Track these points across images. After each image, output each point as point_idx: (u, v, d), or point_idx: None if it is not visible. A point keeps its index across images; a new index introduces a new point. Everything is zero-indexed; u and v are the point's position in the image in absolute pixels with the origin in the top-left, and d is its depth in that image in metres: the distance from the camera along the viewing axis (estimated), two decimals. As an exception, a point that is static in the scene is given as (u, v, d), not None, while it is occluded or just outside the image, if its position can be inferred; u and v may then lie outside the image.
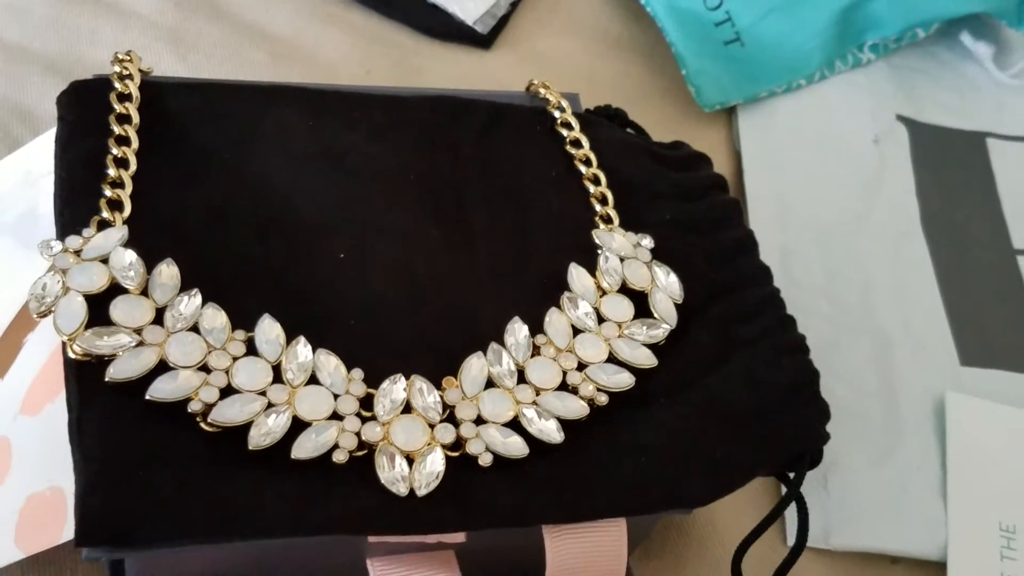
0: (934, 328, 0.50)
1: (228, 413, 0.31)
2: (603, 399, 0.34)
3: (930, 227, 0.54)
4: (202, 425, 0.31)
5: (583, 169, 0.41)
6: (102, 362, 0.31)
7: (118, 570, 0.34)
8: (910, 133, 0.57)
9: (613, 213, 0.40)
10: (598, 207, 0.40)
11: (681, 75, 0.57)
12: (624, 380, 0.35)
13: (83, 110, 0.36)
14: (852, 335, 0.48)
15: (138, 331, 0.32)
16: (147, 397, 0.30)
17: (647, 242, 0.39)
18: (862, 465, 0.44)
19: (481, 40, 0.58)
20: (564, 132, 0.42)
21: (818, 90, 0.58)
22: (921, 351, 0.49)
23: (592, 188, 0.41)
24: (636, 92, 0.58)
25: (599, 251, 0.38)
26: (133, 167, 0.36)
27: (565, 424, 0.33)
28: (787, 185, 0.53)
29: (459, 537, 0.32)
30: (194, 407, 0.31)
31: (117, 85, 0.37)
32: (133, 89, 0.37)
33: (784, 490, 0.44)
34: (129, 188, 0.35)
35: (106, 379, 0.30)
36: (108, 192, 0.35)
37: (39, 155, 0.40)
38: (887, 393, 0.47)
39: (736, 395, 0.35)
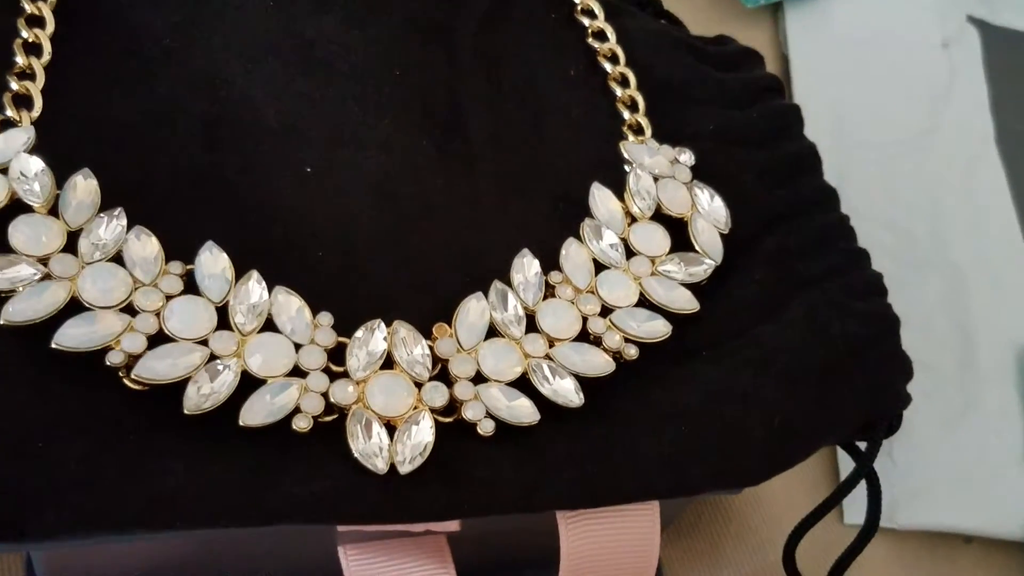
0: (1014, 264, 0.43)
1: (158, 367, 0.24)
2: (632, 352, 0.28)
3: (1006, 146, 0.47)
4: (124, 381, 0.24)
5: (608, 67, 0.34)
6: (-2, 300, 0.24)
7: (29, 564, 0.27)
8: (983, 37, 0.50)
9: (644, 121, 0.33)
10: (626, 114, 0.33)
11: (718, -34, 0.49)
12: (658, 328, 0.28)
13: (-16, -20, 0.29)
14: (919, 272, 0.41)
15: (43, 261, 0.25)
16: (53, 345, 0.24)
17: (686, 157, 0.32)
18: (932, 428, 0.38)
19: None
20: (585, 21, 0.34)
21: (878, -14, 0.50)
22: (1000, 291, 0.42)
23: (619, 91, 0.33)
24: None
25: (628, 168, 0.31)
26: (47, 55, 0.29)
27: (585, 383, 0.27)
28: (842, 96, 0.46)
29: (452, 525, 0.26)
30: (114, 359, 0.24)
31: (27, -51, 0.29)
32: (47, -44, 0.29)
33: (839, 460, 0.38)
34: (41, 81, 0.28)
35: (1, 321, 0.24)
36: (14, 85, 0.28)
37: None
38: (961, 341, 0.41)
39: (798, 347, 0.28)
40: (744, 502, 0.36)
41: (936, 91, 0.48)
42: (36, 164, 0.26)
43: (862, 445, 0.29)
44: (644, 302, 0.29)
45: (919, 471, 0.37)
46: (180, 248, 0.26)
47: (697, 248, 0.30)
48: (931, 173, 0.45)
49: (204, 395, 0.24)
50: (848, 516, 0.37)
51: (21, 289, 0.24)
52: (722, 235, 0.31)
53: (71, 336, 0.24)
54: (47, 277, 0.25)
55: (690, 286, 0.29)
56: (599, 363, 0.27)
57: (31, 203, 0.26)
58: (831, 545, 0.31)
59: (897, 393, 0.29)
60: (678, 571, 0.35)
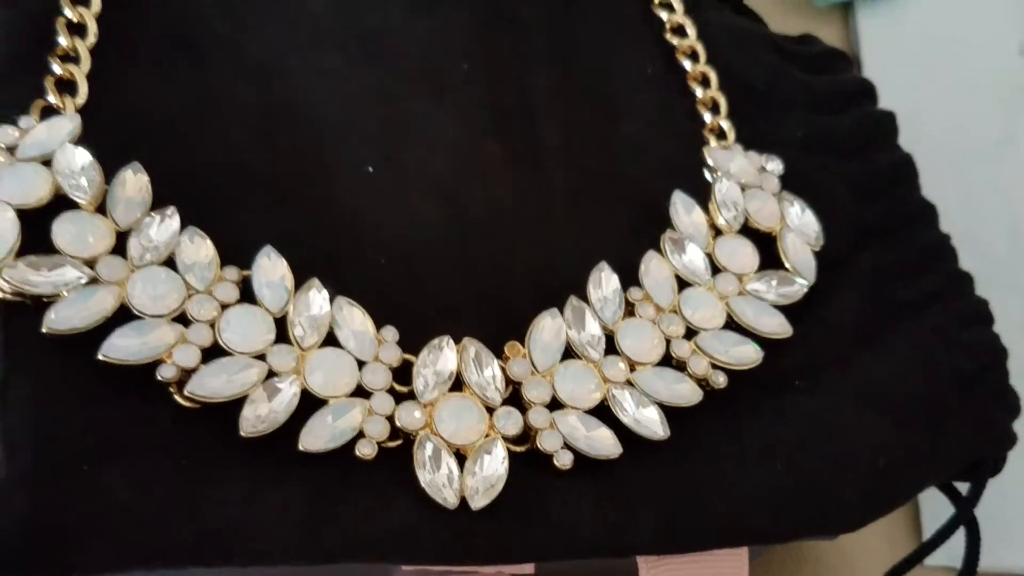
0: (1099, 286, 0.41)
1: (213, 384, 0.22)
2: (721, 380, 0.25)
3: (1088, 160, 0.44)
4: (176, 398, 0.22)
5: (688, 65, 0.31)
6: (39, 304, 0.22)
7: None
8: (1062, 44, 0.47)
9: (727, 125, 0.30)
10: (707, 116, 0.31)
11: (785, -39, 0.46)
12: (748, 354, 0.26)
13: (25, -46, 0.27)
14: (1000, 291, 0.39)
15: (90, 263, 0.23)
16: (100, 357, 0.22)
17: (775, 166, 0.30)
18: (1016, 464, 0.35)
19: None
20: (663, 15, 0.32)
21: (954, -15, 0.47)
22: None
23: (700, 91, 0.31)
24: (728, -20, 0.48)
25: (711, 176, 0.29)
26: (93, 37, 0.26)
27: (669, 412, 0.25)
28: (916, 100, 0.44)
29: (526, 568, 0.24)
30: (166, 373, 0.22)
31: (73, -77, 0.27)
32: (95, -71, 0.27)
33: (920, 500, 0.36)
34: (86, 65, 0.26)
35: (43, 329, 0.22)
36: (57, 68, 0.25)
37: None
38: (1045, 368, 0.38)
39: (903, 380, 0.26)
40: (820, 543, 0.34)
41: (1014, 99, 0.45)
42: (83, 157, 0.24)
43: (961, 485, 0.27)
44: (731, 324, 0.27)
45: (1006, 512, 0.35)
46: (235, 252, 0.24)
47: (788, 266, 0.28)
48: (1009, 184, 0.43)
49: (261, 416, 0.22)
50: (931, 556, 0.35)
51: (66, 294, 0.22)
52: (813, 252, 0.28)
53: (120, 347, 0.22)
54: (94, 281, 0.23)
55: (781, 308, 0.27)
56: (685, 392, 0.25)
57: (77, 199, 0.24)
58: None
59: (1004, 431, 0.27)
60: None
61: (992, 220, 0.42)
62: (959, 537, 0.29)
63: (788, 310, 0.27)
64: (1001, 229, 0.42)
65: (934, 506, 0.35)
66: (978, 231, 0.41)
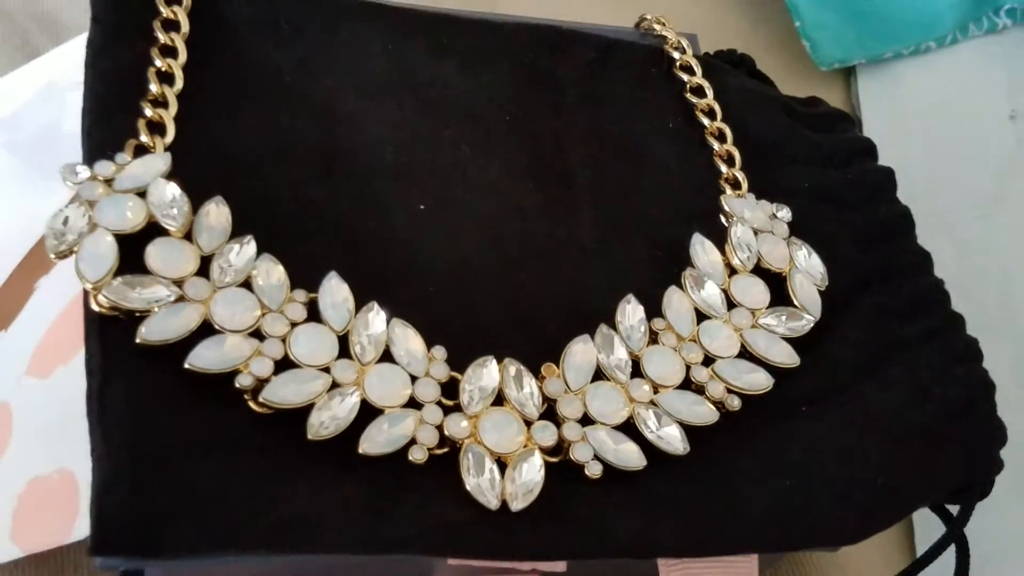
0: (1084, 333, 0.43)
1: (284, 392, 0.25)
2: (735, 403, 0.28)
3: (1074, 218, 0.47)
4: (251, 404, 0.25)
5: (706, 122, 0.35)
6: (132, 319, 0.25)
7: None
8: (1049, 111, 0.51)
9: (741, 176, 0.33)
10: (723, 168, 0.34)
11: (792, 27, 0.50)
12: (760, 381, 0.29)
13: (122, 11, 0.30)
14: (990, 338, 0.41)
15: (178, 283, 0.26)
16: (186, 365, 0.24)
17: (784, 213, 0.33)
18: (1003, 493, 0.37)
19: (567, -26, 0.51)
20: (684, 76, 0.35)
21: (949, 55, 0.51)
22: (1069, 360, 0.42)
23: (716, 145, 0.34)
24: (738, 45, 0.51)
25: (729, 220, 0.32)
26: (179, 84, 0.29)
27: (689, 431, 0.27)
28: (912, 160, 0.47)
29: (559, 566, 0.26)
30: (243, 381, 0.25)
31: (164, -17, 0.30)
32: (183, -10, 0.31)
33: (915, 522, 0.38)
34: (173, 109, 0.29)
35: (137, 340, 0.24)
36: (148, 112, 0.28)
37: (65, 65, 0.34)
38: (1032, 407, 0.40)
39: (900, 409, 0.28)
40: (821, 563, 0.36)
41: (1004, 161, 0.48)
42: (174, 190, 0.27)
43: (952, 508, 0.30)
44: (745, 353, 0.29)
45: (991, 537, 0.37)
46: (302, 276, 0.27)
47: (796, 303, 0.31)
48: (999, 240, 0.46)
49: (325, 422, 0.25)
50: (923, 576, 0.37)
51: (156, 310, 0.25)
52: (819, 292, 0.31)
53: (204, 357, 0.25)
54: (181, 299, 0.26)
55: (790, 340, 0.30)
56: (703, 412, 0.28)
57: (168, 227, 0.26)
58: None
59: (992, 458, 0.29)
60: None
61: (984, 272, 0.44)
62: (950, 560, 0.31)
63: (796, 343, 0.30)
64: (992, 280, 0.44)
65: (926, 528, 0.38)
66: (971, 282, 0.44)
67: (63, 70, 0.34)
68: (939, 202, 0.47)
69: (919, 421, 0.28)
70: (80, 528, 0.25)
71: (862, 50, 0.50)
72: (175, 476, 0.23)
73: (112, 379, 0.24)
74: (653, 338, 0.29)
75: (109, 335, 0.25)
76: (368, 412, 0.25)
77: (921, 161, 0.48)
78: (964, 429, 0.29)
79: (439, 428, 0.26)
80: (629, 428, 0.27)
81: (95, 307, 0.25)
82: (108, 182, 0.27)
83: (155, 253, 0.26)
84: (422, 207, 0.30)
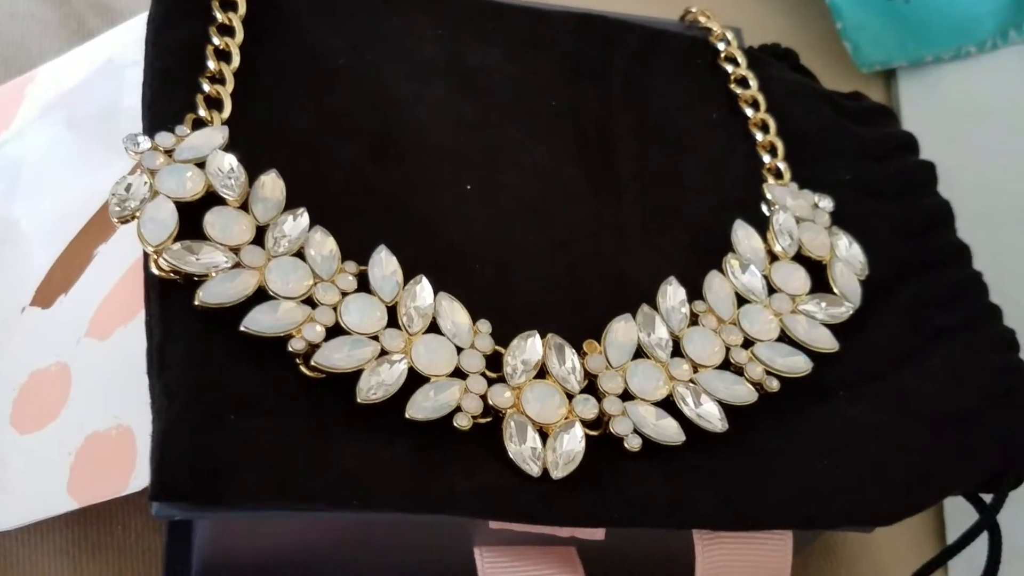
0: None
1: (335, 357, 0.26)
2: (774, 385, 0.29)
3: (1114, 223, 0.47)
4: (302, 368, 0.26)
5: (749, 112, 0.35)
6: (191, 283, 0.26)
7: (182, 535, 0.29)
8: (1090, 115, 0.51)
9: (784, 166, 0.34)
10: (766, 158, 0.34)
11: (833, 29, 0.50)
12: (799, 364, 0.29)
13: (183, -10, 0.31)
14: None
15: (235, 250, 0.27)
16: (242, 328, 0.25)
17: (826, 203, 0.33)
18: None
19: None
20: (728, 68, 0.36)
21: (989, 60, 0.51)
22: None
23: (759, 135, 0.35)
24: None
25: (771, 208, 0.32)
26: (236, 62, 0.30)
27: (727, 411, 0.28)
28: (952, 163, 0.47)
29: (597, 534, 0.27)
30: (296, 346, 0.26)
31: (224, -35, 0.31)
32: (242, -29, 0.32)
33: (945, 513, 0.38)
34: (230, 86, 0.30)
35: (195, 303, 0.25)
36: (206, 87, 0.29)
37: (124, 43, 0.34)
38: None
39: (935, 394, 0.29)
40: (852, 549, 0.36)
41: (1045, 164, 0.48)
42: (231, 161, 0.28)
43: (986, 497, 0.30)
44: (784, 338, 0.30)
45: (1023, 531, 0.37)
46: (353, 249, 0.28)
47: (836, 291, 0.31)
48: (1039, 243, 0.46)
49: (375, 386, 0.26)
50: (954, 572, 0.37)
51: (214, 275, 0.26)
52: (859, 280, 0.32)
53: (259, 321, 0.26)
54: (237, 265, 0.26)
55: (829, 327, 0.30)
56: (742, 392, 0.28)
57: (226, 196, 0.27)
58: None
59: (1027, 446, 0.29)
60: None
61: (1021, 273, 0.44)
62: (981, 555, 0.31)
63: (835, 329, 0.30)
64: (1030, 279, 0.44)
65: (957, 517, 0.38)
66: (1012, 284, 0.44)
67: (121, 49, 0.35)
68: (978, 204, 0.46)
69: (955, 408, 0.29)
70: (136, 480, 0.25)
71: (903, 53, 0.50)
72: (233, 430, 0.24)
73: (172, 338, 0.25)
74: (693, 320, 0.30)
75: (169, 297, 0.26)
76: (415, 380, 0.26)
77: (960, 164, 0.48)
78: (1000, 417, 0.29)
79: (483, 398, 0.26)
80: (668, 406, 0.28)
81: (155, 271, 0.26)
82: (168, 152, 0.28)
83: (213, 221, 0.27)
84: (469, 188, 0.31)
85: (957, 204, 0.46)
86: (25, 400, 0.28)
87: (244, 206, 0.28)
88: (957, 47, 0.50)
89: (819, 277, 0.31)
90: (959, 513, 0.37)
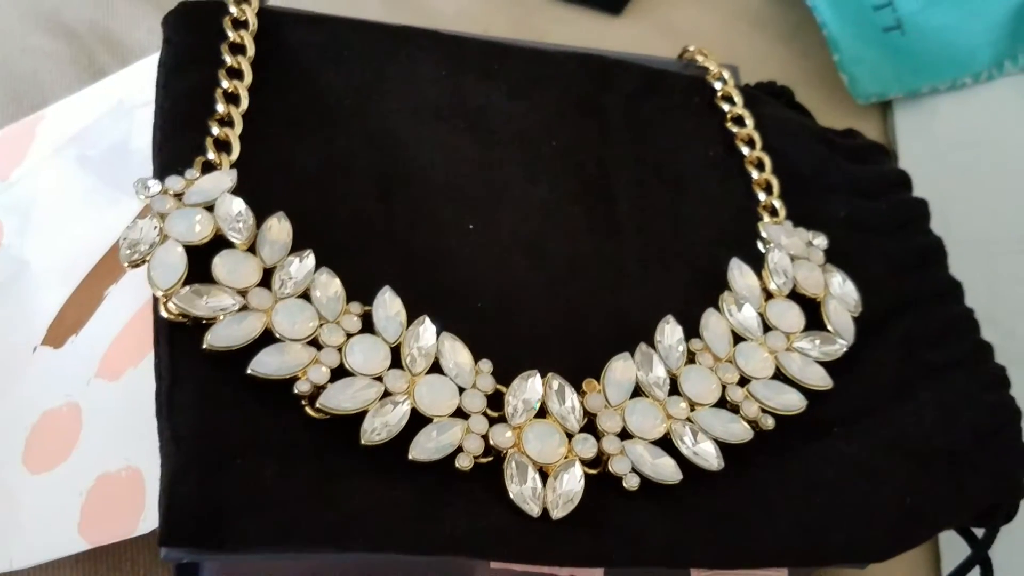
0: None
1: (339, 399, 0.26)
2: (769, 423, 0.29)
3: (1107, 253, 0.48)
4: (307, 410, 0.26)
5: (745, 151, 0.36)
6: (199, 326, 0.27)
7: (189, 571, 0.29)
8: (1085, 146, 0.51)
9: (779, 204, 0.35)
10: (762, 196, 0.35)
11: (830, 61, 0.51)
12: (794, 402, 0.30)
13: (193, 34, 0.32)
14: (1020, 369, 0.42)
15: (242, 293, 0.27)
16: (249, 371, 0.26)
17: (820, 241, 0.34)
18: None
19: (611, 4, 0.53)
20: (725, 107, 0.37)
21: (985, 91, 0.52)
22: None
23: (755, 173, 0.35)
24: (778, 77, 0.52)
25: (767, 246, 0.33)
26: (244, 105, 0.31)
27: (723, 448, 0.28)
28: (947, 194, 0.47)
29: (596, 573, 0.27)
30: (301, 388, 0.26)
31: (232, 9, 0.32)
32: (250, 15, 0.32)
33: (940, 545, 0.39)
34: (239, 128, 0.31)
35: (204, 346, 0.26)
36: (216, 130, 0.30)
37: (134, 83, 0.35)
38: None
39: (927, 432, 0.29)
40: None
41: (1039, 195, 0.49)
42: (239, 204, 0.28)
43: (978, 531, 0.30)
44: (779, 375, 0.30)
45: (1017, 564, 0.37)
46: (357, 290, 0.28)
47: (830, 328, 0.32)
48: (1033, 274, 0.46)
49: (378, 428, 0.26)
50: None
51: (222, 317, 0.27)
52: (853, 317, 0.32)
53: (266, 364, 0.26)
54: (245, 308, 0.27)
55: (823, 364, 0.31)
56: (738, 431, 0.29)
57: (234, 240, 0.28)
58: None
59: (1017, 482, 0.30)
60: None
61: (1017, 304, 0.45)
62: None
63: (829, 367, 0.31)
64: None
65: (953, 550, 0.38)
66: (1004, 313, 0.45)
67: (132, 89, 0.35)
68: (974, 235, 0.47)
69: (947, 444, 0.29)
70: (146, 522, 0.26)
71: (899, 85, 0.50)
72: (239, 473, 0.24)
73: (180, 381, 0.26)
74: (690, 358, 0.30)
75: (177, 340, 0.26)
76: (417, 420, 0.27)
77: (956, 194, 0.48)
78: (990, 454, 0.30)
79: (484, 437, 0.27)
80: (666, 444, 0.28)
81: (164, 314, 0.27)
82: (178, 196, 0.28)
83: (221, 264, 0.27)
84: (471, 226, 0.31)
85: (953, 234, 0.47)
86: (37, 440, 0.29)
87: (252, 248, 0.28)
88: (953, 78, 0.51)
89: (813, 314, 0.32)
90: (955, 545, 0.38)
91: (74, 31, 0.46)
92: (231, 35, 0.32)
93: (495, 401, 0.28)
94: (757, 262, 0.33)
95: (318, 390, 0.26)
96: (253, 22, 0.32)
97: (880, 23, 0.51)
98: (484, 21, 0.52)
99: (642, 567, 0.26)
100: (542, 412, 0.28)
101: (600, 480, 0.27)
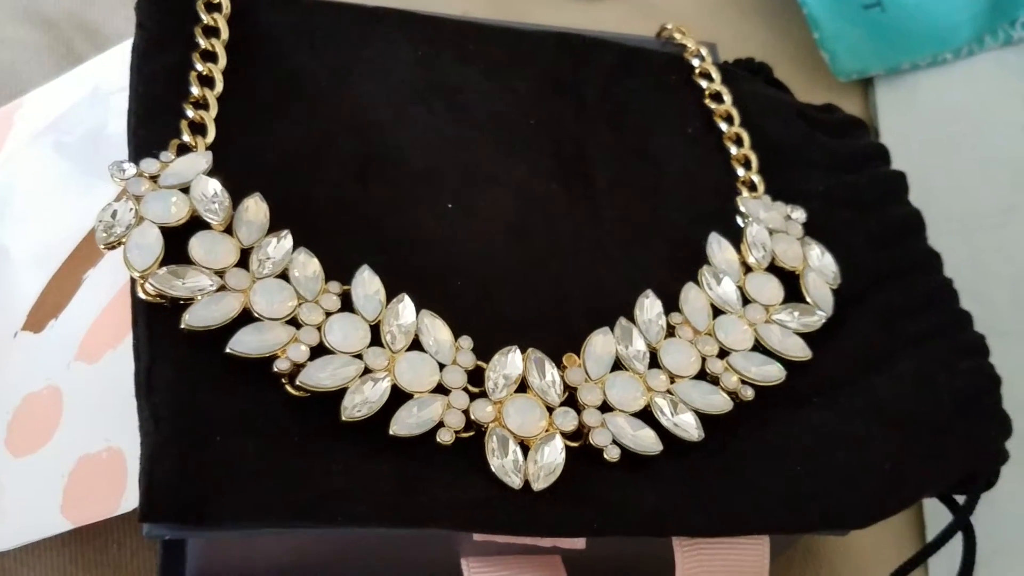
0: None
1: (319, 376, 0.26)
2: (749, 393, 0.29)
3: (1087, 225, 0.48)
4: (287, 388, 0.26)
5: (723, 127, 0.36)
6: (177, 306, 0.26)
7: (175, 552, 0.29)
8: (1064, 121, 0.51)
9: (758, 179, 0.35)
10: (740, 171, 0.35)
11: (811, 39, 0.51)
12: (773, 373, 0.30)
13: (166, 18, 0.32)
14: (1002, 339, 0.42)
15: (220, 273, 0.27)
16: (227, 350, 0.26)
17: (799, 214, 0.34)
18: (1014, 488, 0.38)
19: (591, -13, 0.53)
20: (703, 83, 0.37)
21: (965, 67, 0.52)
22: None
23: (734, 149, 0.35)
24: (760, 56, 0.52)
25: (745, 221, 0.33)
26: (219, 87, 0.31)
27: (704, 419, 0.28)
28: (928, 168, 0.48)
29: (579, 543, 0.27)
30: (280, 366, 0.26)
31: (206, -8, 0.32)
32: (224, -2, 0.32)
33: (925, 515, 0.39)
34: (214, 111, 0.31)
35: (181, 326, 0.26)
36: (190, 113, 0.30)
37: (110, 70, 0.35)
38: (1043, 408, 0.41)
39: (906, 399, 0.30)
40: (834, 551, 0.37)
41: (1019, 170, 0.49)
42: (215, 185, 0.28)
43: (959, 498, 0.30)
44: (759, 347, 0.31)
45: (1001, 531, 0.38)
46: (336, 270, 0.29)
47: (809, 300, 0.32)
48: (1013, 245, 0.47)
49: (358, 404, 0.26)
50: (934, 571, 0.38)
51: (199, 298, 0.27)
52: (831, 289, 0.32)
53: (244, 343, 0.26)
54: (222, 288, 0.27)
55: (802, 335, 0.31)
56: (718, 401, 0.29)
57: (210, 221, 0.28)
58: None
59: (997, 449, 0.30)
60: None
61: (997, 275, 0.45)
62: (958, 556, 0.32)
63: (809, 338, 0.31)
64: (1005, 283, 0.45)
65: (937, 518, 0.39)
66: (985, 285, 0.45)
67: (107, 75, 0.35)
68: (954, 210, 0.47)
69: (926, 412, 0.29)
70: (127, 501, 0.26)
71: (880, 61, 0.51)
72: (218, 451, 0.24)
73: (159, 361, 0.26)
74: (670, 331, 0.30)
75: (155, 321, 0.26)
76: (398, 397, 0.27)
77: (937, 170, 0.48)
78: (970, 420, 0.30)
79: (465, 412, 0.27)
80: (646, 416, 0.28)
81: (142, 295, 0.27)
82: (153, 178, 0.28)
83: (198, 245, 0.27)
84: (450, 206, 0.31)
85: (934, 207, 0.47)
86: (19, 423, 0.29)
87: (228, 229, 0.28)
88: (934, 54, 0.51)
89: (792, 287, 0.32)
90: (939, 512, 0.38)
91: (52, 20, 0.46)
92: (205, 18, 0.32)
93: (476, 377, 0.28)
94: (736, 236, 0.33)
95: (297, 368, 0.26)
96: (227, 5, 0.32)
97: (860, 1, 0.51)
98: (463, 2, 0.52)
99: (624, 536, 0.26)
100: (523, 387, 0.28)
101: (581, 453, 0.27)
